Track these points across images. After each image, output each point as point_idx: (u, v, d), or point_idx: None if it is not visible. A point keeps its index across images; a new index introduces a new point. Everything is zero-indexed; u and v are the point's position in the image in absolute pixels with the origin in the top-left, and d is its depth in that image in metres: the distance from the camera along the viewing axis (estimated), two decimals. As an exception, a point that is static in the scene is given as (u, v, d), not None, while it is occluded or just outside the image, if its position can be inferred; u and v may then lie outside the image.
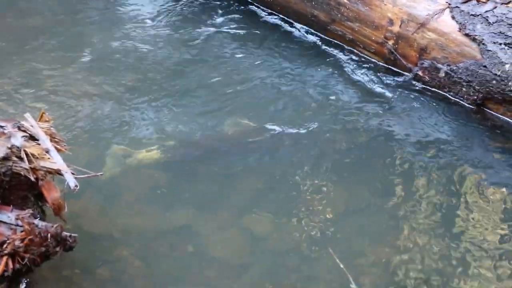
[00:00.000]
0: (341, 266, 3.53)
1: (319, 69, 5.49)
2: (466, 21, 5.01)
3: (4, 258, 3.25)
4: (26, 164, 3.51)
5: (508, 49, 4.81)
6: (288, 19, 5.96)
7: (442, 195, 4.38)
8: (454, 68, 5.02)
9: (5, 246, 3.24)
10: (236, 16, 6.07)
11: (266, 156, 4.64)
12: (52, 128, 3.81)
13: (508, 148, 4.77)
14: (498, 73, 4.80)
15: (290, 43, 5.79)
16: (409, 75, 5.30)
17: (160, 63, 5.49)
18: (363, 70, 5.45)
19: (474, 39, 4.95)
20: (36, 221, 3.39)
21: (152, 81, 5.28)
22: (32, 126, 3.71)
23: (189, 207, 4.25)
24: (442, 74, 5.10)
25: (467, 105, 5.05)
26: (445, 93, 5.15)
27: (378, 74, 5.40)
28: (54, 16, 6.03)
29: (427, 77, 5.20)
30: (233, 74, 5.41)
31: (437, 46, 5.09)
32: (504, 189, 4.44)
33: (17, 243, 3.25)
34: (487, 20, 4.95)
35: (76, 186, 3.53)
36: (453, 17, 5.08)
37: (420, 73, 5.22)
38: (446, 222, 4.20)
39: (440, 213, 4.26)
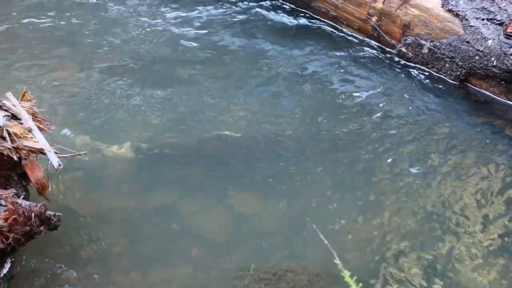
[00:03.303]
0: (326, 242, 3.53)
1: (300, 46, 5.48)
2: (448, -3, 5.03)
3: (-12, 238, 3.25)
4: (8, 144, 3.49)
5: (490, 24, 4.82)
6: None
7: (426, 171, 4.39)
8: (437, 44, 5.03)
9: (-12, 226, 3.24)
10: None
11: (248, 137, 4.64)
12: (34, 107, 3.79)
13: (490, 122, 4.79)
14: (481, 48, 4.81)
15: (272, 23, 5.77)
16: (392, 51, 5.31)
17: (149, 50, 5.43)
18: (345, 47, 5.45)
19: (457, 15, 4.95)
20: (20, 201, 3.38)
21: (141, 67, 5.24)
22: (14, 105, 3.69)
23: (174, 187, 4.25)
24: (425, 50, 5.11)
25: (450, 81, 5.06)
26: (428, 69, 5.16)
27: (361, 51, 5.40)
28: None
29: (410, 54, 5.20)
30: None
31: (420, 22, 5.09)
32: (487, 163, 4.46)
33: (0, 222, 3.24)
34: (469, -5, 4.97)
35: (59, 165, 3.52)
36: (436, -7, 5.10)
37: (403, 49, 5.23)
38: (430, 198, 4.22)
39: (424, 189, 4.27)
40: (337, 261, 2.99)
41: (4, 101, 3.68)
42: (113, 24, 5.69)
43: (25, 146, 3.54)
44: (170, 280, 3.74)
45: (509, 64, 4.70)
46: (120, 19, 5.75)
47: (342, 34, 5.57)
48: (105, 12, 5.84)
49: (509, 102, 4.89)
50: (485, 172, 4.39)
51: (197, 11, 5.84)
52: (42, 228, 3.41)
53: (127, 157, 4.42)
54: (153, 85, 5.02)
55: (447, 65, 5.03)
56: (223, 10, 5.88)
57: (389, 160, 4.47)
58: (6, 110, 3.62)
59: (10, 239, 3.28)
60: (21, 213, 3.30)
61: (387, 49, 5.34)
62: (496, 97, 4.93)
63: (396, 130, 4.70)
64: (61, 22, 5.67)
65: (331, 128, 4.71)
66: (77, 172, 4.23)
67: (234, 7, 5.92)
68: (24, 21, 5.66)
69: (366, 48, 5.42)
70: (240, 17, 5.81)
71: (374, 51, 5.39)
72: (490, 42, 4.78)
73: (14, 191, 3.46)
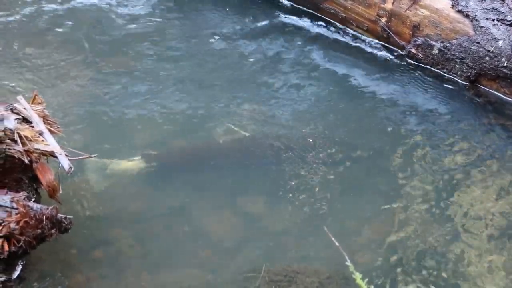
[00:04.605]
0: (337, 244, 3.53)
1: (309, 48, 5.47)
2: (458, -2, 5.02)
3: (0, 241, 3.25)
4: (20, 147, 3.50)
5: (501, 25, 4.81)
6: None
7: (436, 172, 4.38)
8: (447, 45, 5.01)
9: (0, 228, 3.24)
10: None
11: (257, 140, 4.64)
12: (45, 110, 3.79)
13: (501, 123, 4.78)
14: (491, 49, 4.80)
15: (281, 25, 5.76)
16: (402, 52, 5.30)
17: (156, 50, 5.41)
18: (354, 49, 5.44)
19: (467, 16, 4.94)
20: (31, 204, 3.39)
21: (147, 66, 5.24)
22: (25, 108, 3.69)
23: (184, 189, 4.25)
24: (435, 51, 5.10)
25: (460, 81, 5.05)
26: (438, 70, 5.15)
27: (371, 52, 5.39)
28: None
29: (420, 54, 5.19)
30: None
31: (430, 23, 5.08)
32: (497, 164, 4.45)
33: (12, 225, 3.25)
34: (479, -4, 4.96)
35: (70, 168, 3.53)
36: (445, -6, 5.08)
37: (413, 50, 5.21)
38: (440, 198, 4.21)
39: (434, 189, 4.27)
40: (348, 263, 3.00)
41: (15, 104, 3.69)
42: (117, 26, 5.68)
43: (36, 149, 3.55)
44: (180, 281, 3.75)
45: (519, 65, 4.70)
46: (123, 23, 5.75)
47: (351, 36, 5.56)
48: (109, 14, 5.84)
49: (519, 103, 4.89)
50: (498, 174, 4.38)
51: (207, 18, 5.84)
52: (53, 231, 3.42)
53: (137, 160, 4.42)
54: (160, 89, 5.01)
55: (457, 66, 5.02)
56: (231, 14, 5.88)
57: (400, 162, 4.47)
58: (17, 113, 3.63)
59: (22, 242, 3.29)
60: (32, 216, 3.31)
61: (397, 50, 5.33)
62: (507, 98, 4.91)
63: (407, 132, 4.69)
64: (65, 22, 5.68)
65: (341, 130, 4.70)
66: (87, 174, 4.24)
67: (242, 10, 5.91)
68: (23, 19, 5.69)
69: (375, 50, 5.41)
70: (247, 19, 5.80)
71: (383, 53, 5.38)
72: (500, 42, 4.76)
73: (26, 194, 3.48)
